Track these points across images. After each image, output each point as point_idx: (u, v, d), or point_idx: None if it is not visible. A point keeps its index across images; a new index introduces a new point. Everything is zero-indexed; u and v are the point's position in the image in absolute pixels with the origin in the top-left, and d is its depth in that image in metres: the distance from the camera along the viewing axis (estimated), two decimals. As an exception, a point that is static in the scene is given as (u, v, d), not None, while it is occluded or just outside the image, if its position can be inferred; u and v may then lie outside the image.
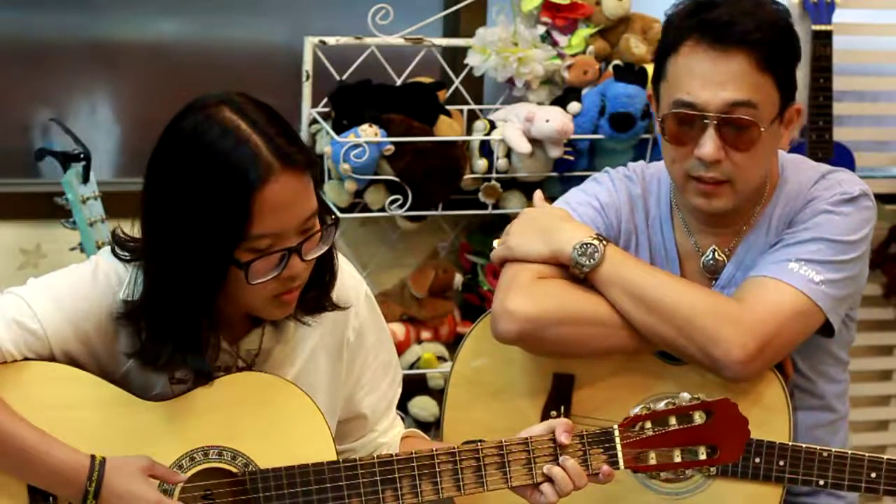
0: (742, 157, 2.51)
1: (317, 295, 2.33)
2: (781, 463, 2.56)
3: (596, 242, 2.58)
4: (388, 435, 2.56)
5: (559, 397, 2.66)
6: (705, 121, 2.49)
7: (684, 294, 2.54)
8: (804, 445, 2.56)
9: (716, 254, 2.66)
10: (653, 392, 2.62)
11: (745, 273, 2.61)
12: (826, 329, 2.58)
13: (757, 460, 2.56)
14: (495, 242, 2.73)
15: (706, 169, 2.51)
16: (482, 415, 2.68)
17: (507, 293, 2.59)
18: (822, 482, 2.56)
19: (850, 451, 2.56)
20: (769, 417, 2.54)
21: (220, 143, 2.13)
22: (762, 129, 2.49)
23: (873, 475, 2.54)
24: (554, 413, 2.65)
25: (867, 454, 2.56)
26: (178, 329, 2.22)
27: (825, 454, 2.55)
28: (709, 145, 2.49)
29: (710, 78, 2.48)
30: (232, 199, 2.12)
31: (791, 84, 2.55)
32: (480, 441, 2.34)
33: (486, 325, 2.65)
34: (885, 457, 2.55)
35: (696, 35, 2.50)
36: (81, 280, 2.28)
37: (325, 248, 2.26)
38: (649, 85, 2.70)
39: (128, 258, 2.28)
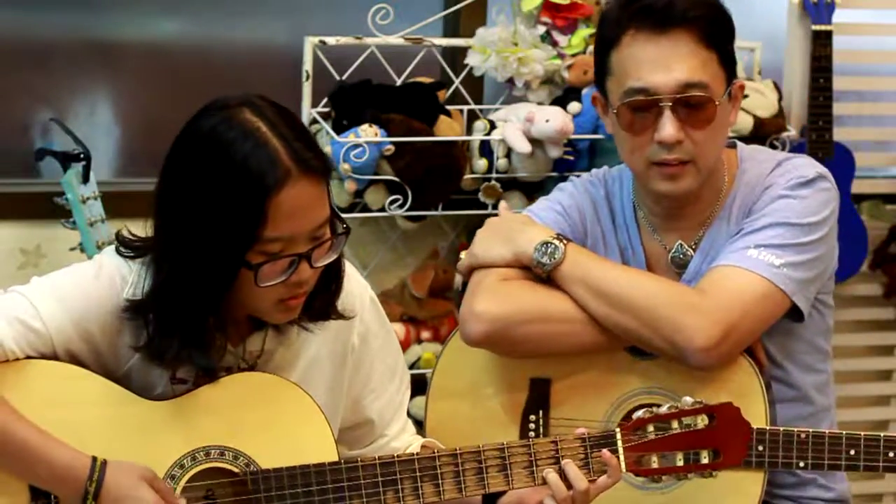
0: (701, 134, 2.53)
1: (322, 303, 2.33)
2: (760, 448, 2.56)
3: (556, 242, 2.60)
4: (401, 440, 2.57)
5: (537, 401, 2.67)
6: (661, 104, 2.51)
7: (644, 286, 2.56)
8: (781, 428, 2.57)
9: (682, 248, 2.67)
10: (627, 388, 2.63)
11: (710, 264, 2.62)
12: (796, 314, 2.58)
13: None
14: (462, 254, 2.75)
15: (668, 152, 2.53)
16: (462, 424, 2.69)
17: (474, 296, 2.62)
18: (802, 464, 2.56)
19: (827, 431, 2.56)
20: (744, 404, 2.52)
21: (239, 144, 2.14)
22: (717, 104, 2.52)
23: (852, 452, 2.55)
24: (533, 417, 2.66)
25: (844, 432, 2.56)
26: (186, 325, 2.22)
27: (803, 435, 2.55)
28: (668, 127, 2.51)
29: (657, 61, 2.50)
30: (248, 201, 2.12)
31: (732, 60, 2.58)
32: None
33: (460, 338, 2.66)
34: (862, 433, 2.56)
35: (635, 23, 2.52)
36: (85, 279, 2.28)
37: (334, 256, 2.26)
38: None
39: (132, 255, 2.28)
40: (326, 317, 2.36)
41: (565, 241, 2.61)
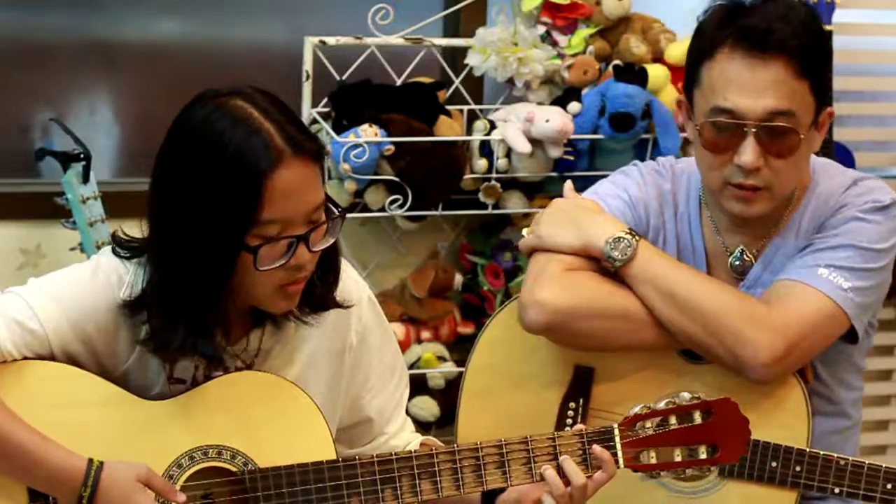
0: (781, 163, 2.52)
1: (321, 293, 2.34)
2: (798, 468, 2.56)
3: (629, 237, 2.59)
4: (400, 437, 2.57)
5: (579, 389, 2.67)
6: (745, 129, 2.49)
7: (714, 293, 2.55)
8: (822, 452, 2.57)
9: (744, 254, 2.67)
10: (672, 389, 2.62)
11: (771, 275, 2.62)
12: (850, 336, 2.59)
13: (773, 464, 2.57)
14: (524, 231, 2.73)
15: (745, 176, 2.52)
16: (500, 403, 2.69)
17: (537, 283, 2.60)
18: (837, 490, 2.57)
19: (867, 462, 2.57)
20: (789, 422, 2.55)
21: (231, 131, 2.15)
22: (801, 136, 2.50)
23: (889, 486, 2.55)
24: (573, 405, 2.65)
25: (884, 465, 2.56)
26: (190, 314, 2.22)
27: (842, 462, 2.56)
28: (749, 153, 2.49)
29: (748, 85, 2.48)
30: (244, 184, 2.14)
31: (825, 88, 2.56)
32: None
33: (508, 313, 2.65)
34: None
35: (731, 41, 2.50)
36: (82, 280, 2.28)
37: (332, 240, 2.27)
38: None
39: (128, 255, 2.29)
40: (326, 307, 2.36)
41: (637, 238, 2.59)
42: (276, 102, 2.22)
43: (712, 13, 2.57)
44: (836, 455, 2.57)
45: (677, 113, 2.72)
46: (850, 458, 2.57)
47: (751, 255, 2.67)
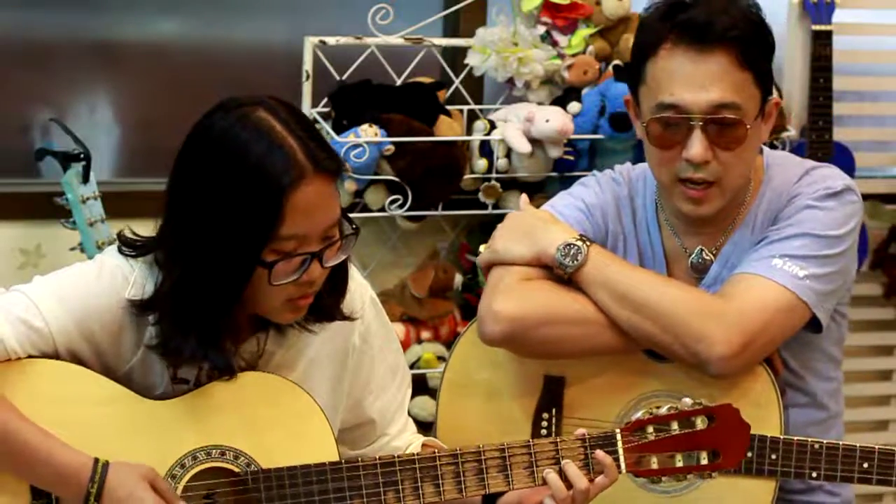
0: (729, 156, 2.52)
1: (327, 304, 2.34)
2: (773, 456, 2.56)
3: (579, 243, 2.59)
4: (402, 438, 2.57)
5: (550, 399, 2.67)
6: (691, 122, 2.49)
7: (667, 292, 2.55)
8: (796, 438, 2.57)
9: (703, 253, 2.67)
10: (642, 390, 2.63)
11: (731, 271, 2.61)
12: (814, 324, 2.58)
13: (749, 454, 2.57)
14: (482, 247, 2.74)
15: (695, 170, 2.52)
16: (474, 419, 2.69)
17: (493, 295, 2.60)
18: (814, 474, 2.57)
19: (841, 443, 2.57)
20: (760, 412, 2.54)
21: (254, 144, 2.14)
22: (748, 127, 2.50)
23: (865, 465, 2.56)
24: (546, 415, 2.66)
25: (859, 444, 2.56)
26: (202, 324, 2.22)
27: (817, 446, 2.56)
28: (697, 146, 2.49)
29: (692, 79, 2.48)
30: (265, 200, 2.13)
31: (768, 78, 2.56)
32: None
33: (475, 331, 2.66)
34: (877, 446, 2.56)
35: (673, 36, 2.50)
36: (87, 278, 2.28)
37: (344, 257, 2.27)
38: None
39: (133, 255, 2.29)
40: (332, 318, 2.36)
41: (588, 243, 2.59)
42: (298, 115, 2.21)
43: (654, 9, 2.57)
44: (810, 439, 2.57)
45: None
46: (825, 441, 2.57)
47: (710, 254, 2.67)
